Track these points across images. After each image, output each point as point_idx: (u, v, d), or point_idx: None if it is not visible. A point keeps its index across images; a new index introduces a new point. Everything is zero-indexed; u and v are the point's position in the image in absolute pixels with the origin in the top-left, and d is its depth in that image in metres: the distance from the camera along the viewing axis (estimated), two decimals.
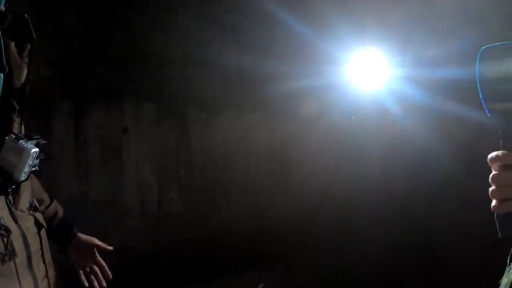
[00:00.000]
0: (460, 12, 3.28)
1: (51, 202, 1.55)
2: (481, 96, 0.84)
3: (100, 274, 1.63)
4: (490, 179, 0.82)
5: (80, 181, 3.39)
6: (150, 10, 3.56)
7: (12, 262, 1.06)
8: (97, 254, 1.64)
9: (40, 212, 1.27)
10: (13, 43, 1.15)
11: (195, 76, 3.66)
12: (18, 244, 1.09)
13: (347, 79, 3.74)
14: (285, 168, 3.92)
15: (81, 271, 1.60)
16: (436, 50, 3.37)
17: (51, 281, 1.24)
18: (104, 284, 1.63)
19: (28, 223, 1.17)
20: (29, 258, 1.13)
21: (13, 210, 1.12)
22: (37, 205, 1.28)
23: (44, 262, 1.21)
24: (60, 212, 1.58)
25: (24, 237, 1.12)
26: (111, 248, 1.66)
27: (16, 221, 1.12)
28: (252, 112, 3.84)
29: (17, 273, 1.07)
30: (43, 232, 1.24)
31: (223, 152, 3.79)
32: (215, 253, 3.53)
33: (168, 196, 3.62)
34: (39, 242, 1.20)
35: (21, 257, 1.10)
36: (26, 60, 1.17)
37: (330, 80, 3.66)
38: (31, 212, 1.21)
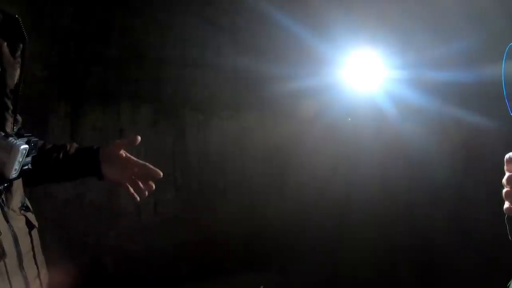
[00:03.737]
0: (461, 12, 3.28)
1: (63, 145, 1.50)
2: (504, 93, 0.82)
3: (146, 177, 1.47)
4: (505, 181, 0.80)
5: (76, 182, 3.36)
6: (146, 11, 3.56)
7: (2, 262, 1.05)
8: (130, 157, 1.47)
9: (31, 212, 1.26)
10: (5, 43, 1.15)
11: (191, 77, 3.66)
12: (8, 244, 1.08)
13: (344, 80, 3.74)
14: (281, 168, 3.92)
15: (127, 185, 1.45)
16: (436, 51, 3.37)
17: (44, 282, 1.23)
18: (153, 186, 1.47)
19: (19, 223, 1.17)
20: (19, 258, 1.12)
21: (5, 209, 1.12)
22: (29, 205, 1.26)
23: (35, 262, 1.20)
24: (72, 146, 1.51)
25: (15, 237, 1.11)
26: (138, 138, 1.46)
27: (7, 221, 1.11)
28: (249, 112, 3.84)
29: (7, 273, 1.06)
30: (34, 232, 1.23)
31: (219, 153, 3.78)
32: (211, 254, 3.52)
33: (164, 197, 3.60)
34: (30, 242, 1.20)
35: (11, 257, 1.09)
36: (19, 59, 1.17)
37: (327, 81, 3.66)
38: (22, 212, 1.20)
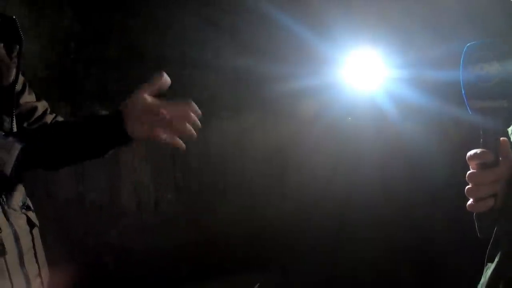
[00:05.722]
0: (461, 11, 3.28)
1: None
2: (463, 93, 0.83)
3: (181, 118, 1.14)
4: (466, 177, 0.81)
5: (77, 182, 3.37)
6: (146, 11, 3.56)
7: (2, 259, 1.06)
8: (161, 104, 1.13)
9: (32, 211, 1.27)
10: (2, 44, 1.16)
11: (191, 77, 3.65)
12: (8, 242, 1.10)
13: (344, 79, 3.74)
14: (281, 169, 3.92)
15: (159, 135, 1.14)
16: (436, 50, 3.36)
17: (45, 280, 1.24)
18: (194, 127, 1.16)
19: (20, 222, 1.18)
20: (20, 256, 1.13)
21: (5, 208, 1.12)
22: (30, 204, 1.27)
23: (36, 260, 1.21)
24: (86, 117, 1.28)
25: (16, 235, 1.12)
26: (164, 77, 1.14)
27: (8, 219, 1.12)
28: (249, 113, 3.84)
29: (8, 270, 1.07)
30: (35, 230, 1.24)
31: (219, 154, 3.78)
32: (211, 254, 3.52)
33: (164, 198, 3.60)
34: (31, 240, 1.21)
35: (12, 255, 1.10)
36: (15, 60, 1.19)
37: (328, 80, 3.66)
38: (23, 211, 1.21)
